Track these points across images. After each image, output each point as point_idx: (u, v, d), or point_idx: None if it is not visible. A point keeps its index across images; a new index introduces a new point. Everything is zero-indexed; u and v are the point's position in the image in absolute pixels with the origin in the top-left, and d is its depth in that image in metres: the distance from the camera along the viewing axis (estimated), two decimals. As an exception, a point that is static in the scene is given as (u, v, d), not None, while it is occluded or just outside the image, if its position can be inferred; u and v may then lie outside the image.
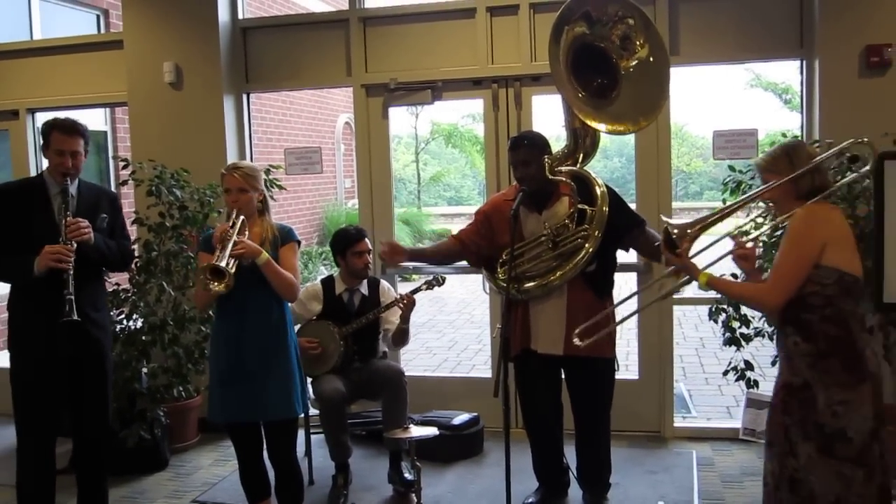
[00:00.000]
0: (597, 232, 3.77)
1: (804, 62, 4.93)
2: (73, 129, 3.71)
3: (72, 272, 3.48)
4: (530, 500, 4.17)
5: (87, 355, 3.76)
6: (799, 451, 2.71)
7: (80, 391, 3.81)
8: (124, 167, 5.20)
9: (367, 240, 4.64)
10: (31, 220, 3.65)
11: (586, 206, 3.80)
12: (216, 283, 3.27)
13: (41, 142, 3.79)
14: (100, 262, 3.80)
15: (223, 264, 3.24)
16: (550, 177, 3.83)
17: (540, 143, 3.94)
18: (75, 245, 3.53)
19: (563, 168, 3.93)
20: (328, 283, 4.71)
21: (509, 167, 5.17)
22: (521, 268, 3.87)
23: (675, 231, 2.97)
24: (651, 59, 3.87)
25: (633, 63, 3.88)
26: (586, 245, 3.77)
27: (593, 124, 3.86)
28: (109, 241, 3.81)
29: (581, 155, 4.00)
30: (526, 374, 4.08)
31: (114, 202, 3.97)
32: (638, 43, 3.87)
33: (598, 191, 3.80)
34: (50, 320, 3.54)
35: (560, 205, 3.92)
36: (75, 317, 3.45)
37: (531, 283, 3.87)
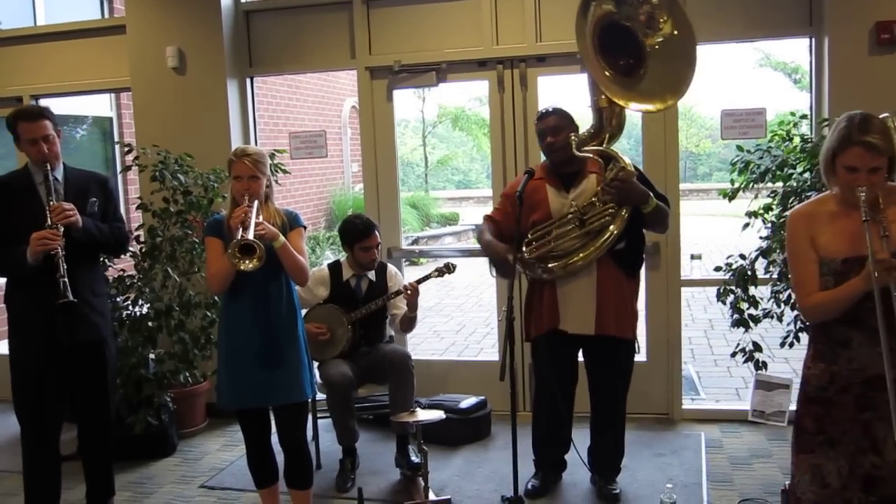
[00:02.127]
0: (623, 211, 3.75)
1: (813, 40, 4.87)
2: (38, 114, 3.66)
3: (63, 255, 3.45)
4: (531, 484, 4.16)
5: (87, 341, 3.74)
6: (887, 447, 2.58)
7: (81, 377, 3.79)
8: (128, 152, 5.18)
9: (376, 233, 4.59)
10: (20, 211, 3.61)
11: None
12: (248, 261, 3.21)
13: (12, 136, 3.71)
14: (92, 246, 3.75)
15: (251, 237, 3.20)
16: (577, 153, 3.78)
17: (569, 115, 3.93)
18: (62, 229, 3.49)
19: (590, 147, 3.89)
20: (335, 268, 4.69)
21: (515, 150, 5.21)
22: (546, 247, 3.85)
23: None
24: (675, 33, 3.79)
25: (659, 40, 3.80)
26: (612, 226, 3.75)
27: (621, 102, 3.81)
28: (101, 225, 3.76)
29: (607, 136, 3.95)
30: (546, 355, 4.05)
31: (104, 185, 3.90)
32: (661, 20, 3.80)
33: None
34: (48, 307, 3.51)
35: (588, 182, 3.89)
36: (71, 297, 3.42)
37: (555, 263, 3.84)
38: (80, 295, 3.54)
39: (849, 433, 2.63)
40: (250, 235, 3.21)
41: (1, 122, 6.18)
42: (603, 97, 3.85)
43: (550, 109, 3.95)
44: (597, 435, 4.16)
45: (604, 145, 3.90)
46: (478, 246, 4.35)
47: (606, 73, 3.80)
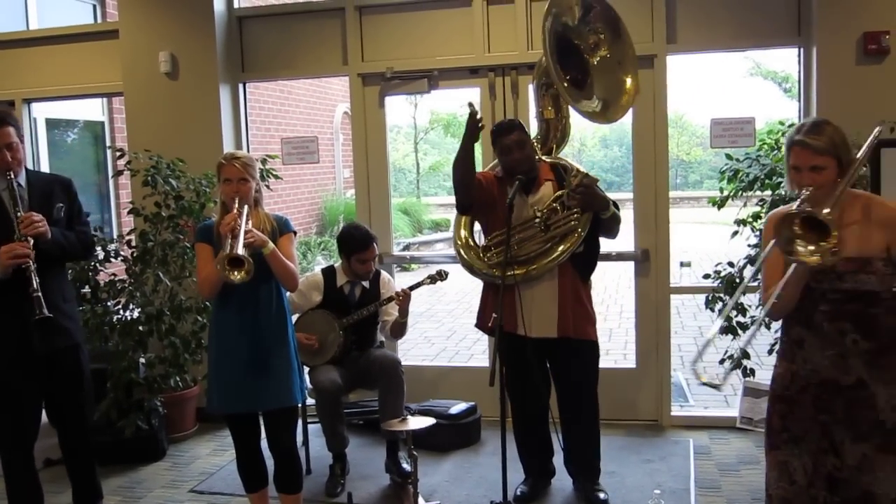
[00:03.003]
0: (587, 215, 3.88)
1: (802, 49, 4.91)
2: (1, 120, 3.49)
3: (34, 268, 3.34)
4: (520, 489, 4.18)
5: (61, 348, 3.66)
6: (845, 451, 2.62)
7: (57, 384, 3.71)
8: (120, 157, 5.19)
9: (374, 245, 4.58)
10: None
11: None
12: (236, 273, 3.21)
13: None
14: (60, 257, 3.65)
15: (240, 251, 3.21)
16: (546, 159, 3.91)
17: (524, 126, 4.01)
18: (32, 241, 3.38)
19: (544, 157, 4.06)
20: (329, 273, 4.69)
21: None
22: (510, 251, 3.88)
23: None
24: (609, 55, 4.05)
25: (597, 59, 4.04)
26: (579, 228, 3.87)
27: (575, 108, 3.97)
28: (67, 233, 3.66)
29: (554, 146, 4.16)
30: (515, 360, 4.07)
31: (68, 188, 3.79)
32: (603, 48, 4.05)
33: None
34: (18, 319, 3.45)
35: (545, 189, 3.98)
36: (47, 313, 3.33)
37: (521, 269, 3.90)
38: (52, 302, 3.43)
39: (810, 432, 2.68)
40: (239, 249, 3.21)
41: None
42: (550, 108, 4.00)
43: (514, 123, 4.01)
44: (569, 436, 4.17)
45: (552, 154, 4.05)
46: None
47: (564, 84, 3.97)
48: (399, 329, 4.62)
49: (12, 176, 3.48)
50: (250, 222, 3.37)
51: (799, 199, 2.53)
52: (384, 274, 4.79)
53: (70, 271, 4.50)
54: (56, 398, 3.76)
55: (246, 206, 3.38)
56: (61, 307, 3.60)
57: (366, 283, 4.65)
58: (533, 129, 4.31)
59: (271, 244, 3.40)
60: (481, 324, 4.22)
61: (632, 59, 4.08)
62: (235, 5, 5.67)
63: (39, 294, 3.33)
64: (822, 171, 2.57)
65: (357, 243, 4.55)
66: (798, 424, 2.71)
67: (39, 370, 3.63)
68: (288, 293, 3.67)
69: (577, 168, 3.91)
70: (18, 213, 3.41)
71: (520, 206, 3.93)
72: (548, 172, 4.01)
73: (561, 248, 3.88)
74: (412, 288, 4.54)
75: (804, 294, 2.62)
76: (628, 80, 4.05)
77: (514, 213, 3.86)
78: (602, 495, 4.09)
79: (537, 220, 3.88)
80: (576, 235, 3.87)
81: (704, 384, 2.61)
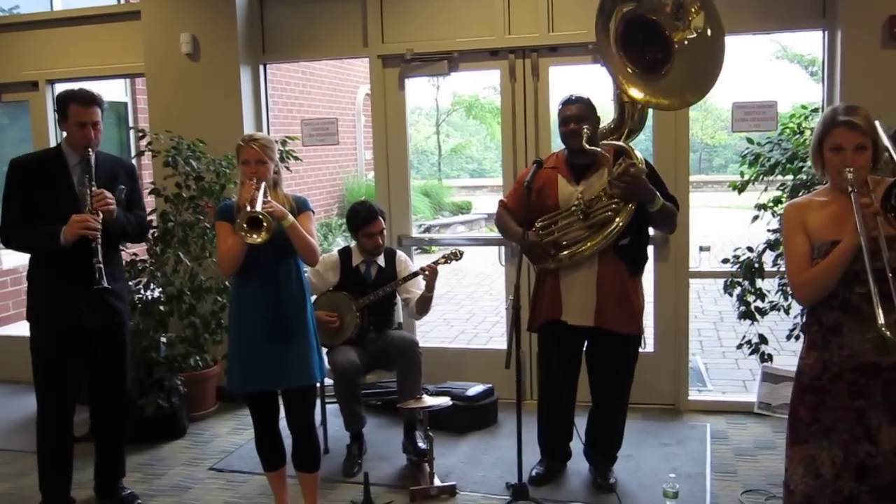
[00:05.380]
0: (629, 206, 3.76)
1: (826, 33, 4.85)
2: (91, 99, 3.72)
3: (100, 241, 3.53)
4: (536, 471, 4.19)
5: (107, 324, 3.84)
6: (881, 435, 2.60)
7: (100, 360, 3.89)
8: (141, 138, 5.22)
9: (380, 219, 4.60)
10: (51, 191, 3.68)
11: None
12: (255, 234, 3.23)
13: (56, 115, 3.79)
14: (119, 236, 3.85)
15: (259, 209, 3.23)
16: (587, 147, 3.79)
17: (593, 106, 3.93)
18: (101, 215, 3.58)
19: (606, 141, 3.91)
20: (345, 253, 4.72)
21: (526, 140, 5.22)
22: (551, 236, 3.87)
23: None
24: (707, 30, 3.74)
25: (691, 36, 3.75)
26: (617, 218, 3.77)
27: (641, 100, 3.80)
28: (129, 215, 3.86)
29: (626, 130, 3.97)
30: (551, 343, 4.07)
31: (132, 173, 4.01)
32: (692, 11, 3.74)
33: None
34: (72, 290, 3.61)
35: (598, 177, 3.89)
36: (105, 284, 3.50)
37: (562, 253, 3.86)
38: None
39: (843, 421, 2.65)
40: (258, 207, 3.24)
41: (20, 105, 6.32)
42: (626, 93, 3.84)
43: (575, 97, 3.95)
44: (595, 424, 4.19)
45: (622, 140, 3.92)
46: (489, 235, 4.38)
47: (628, 70, 3.77)
48: (424, 304, 4.59)
49: (91, 153, 3.67)
50: (269, 196, 3.39)
51: (851, 180, 2.54)
52: (400, 253, 4.80)
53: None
54: (98, 373, 3.92)
55: (263, 183, 3.39)
56: (111, 285, 3.74)
57: (381, 262, 4.67)
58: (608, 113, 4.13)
59: (291, 217, 3.42)
60: (529, 324, 4.16)
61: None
62: (256, -13, 5.67)
63: (101, 265, 3.52)
64: (864, 151, 2.60)
65: (361, 218, 4.58)
66: (830, 414, 2.68)
67: (84, 344, 3.80)
68: (305, 274, 3.69)
69: (633, 154, 3.78)
70: (93, 187, 3.60)
71: (569, 192, 3.90)
72: (606, 160, 3.87)
73: (599, 237, 3.80)
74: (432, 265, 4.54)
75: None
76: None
77: (564, 198, 3.87)
78: (611, 480, 4.10)
79: (574, 206, 3.83)
80: (613, 225, 3.78)
81: None
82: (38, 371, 3.80)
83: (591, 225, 3.82)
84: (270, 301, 3.51)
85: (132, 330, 4.92)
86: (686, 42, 3.75)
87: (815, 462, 2.69)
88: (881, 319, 2.45)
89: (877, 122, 2.74)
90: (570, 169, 3.95)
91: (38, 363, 3.80)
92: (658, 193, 3.78)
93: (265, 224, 3.23)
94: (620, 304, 3.89)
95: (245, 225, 3.24)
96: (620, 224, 3.77)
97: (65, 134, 3.77)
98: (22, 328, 5.70)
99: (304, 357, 3.56)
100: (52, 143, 6.00)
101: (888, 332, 2.45)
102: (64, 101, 3.71)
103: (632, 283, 3.94)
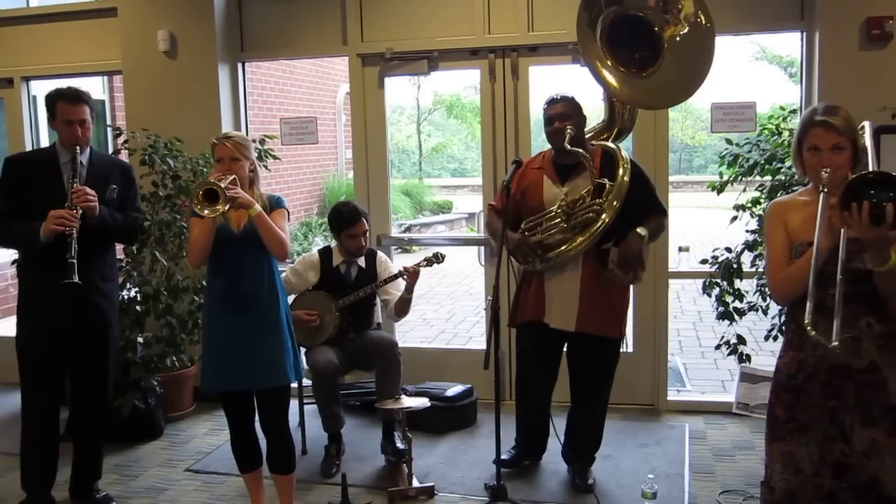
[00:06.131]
0: (615, 202, 3.76)
1: (804, 34, 4.87)
2: (78, 97, 3.74)
3: (75, 236, 3.50)
4: (504, 456, 4.12)
5: (90, 324, 3.81)
6: (854, 436, 2.61)
7: (82, 359, 3.87)
8: (117, 136, 5.17)
9: (363, 220, 4.58)
10: (42, 189, 3.68)
11: (606, 181, 3.78)
12: (209, 208, 3.20)
13: (46, 113, 3.81)
14: (104, 235, 3.80)
15: (219, 182, 3.19)
16: (569, 148, 3.77)
17: (578, 105, 3.91)
18: (80, 211, 3.56)
19: (595, 142, 3.90)
20: (326, 253, 4.69)
21: (506, 140, 5.21)
22: (535, 237, 3.86)
23: None
24: (701, 18, 3.73)
25: (683, 31, 3.73)
26: (602, 216, 3.76)
27: (628, 103, 3.82)
28: (116, 214, 3.82)
29: (617, 130, 3.97)
30: (528, 343, 4.06)
31: (127, 174, 3.99)
32: (679, 4, 3.72)
33: (622, 167, 3.80)
34: (54, 286, 3.56)
35: (584, 178, 3.87)
36: (75, 279, 3.46)
37: (549, 253, 3.86)
38: (88, 278, 3.61)
39: (817, 420, 2.66)
40: (213, 179, 3.22)
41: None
42: None
43: (559, 96, 3.93)
44: (573, 425, 4.19)
45: (611, 140, 3.90)
46: (469, 235, 4.37)
47: (620, 70, 3.78)
48: (403, 306, 4.58)
49: (78, 151, 3.69)
50: (237, 186, 3.34)
51: (824, 181, 2.54)
52: (381, 254, 4.78)
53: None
54: (80, 373, 3.91)
55: (233, 176, 3.35)
56: (98, 285, 3.79)
57: (362, 263, 4.64)
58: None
59: (258, 206, 3.37)
60: (510, 320, 4.20)
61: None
62: (235, -16, 5.63)
63: (74, 261, 3.49)
64: (842, 152, 2.60)
65: (345, 219, 4.55)
66: (805, 413, 2.69)
67: (67, 343, 3.79)
68: (284, 273, 3.65)
69: (621, 157, 3.79)
70: (75, 184, 3.61)
71: (554, 193, 3.89)
72: (597, 160, 3.87)
73: (580, 238, 3.80)
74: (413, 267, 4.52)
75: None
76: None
77: (548, 199, 3.87)
78: (589, 481, 4.09)
79: (558, 208, 3.82)
80: (599, 223, 3.76)
81: None
82: (23, 368, 3.80)
83: (573, 226, 3.81)
84: (241, 300, 3.47)
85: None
86: (678, 38, 3.74)
87: (794, 458, 2.70)
88: (836, 323, 2.45)
89: (866, 123, 2.75)
90: (556, 169, 3.95)
91: (22, 360, 3.80)
92: (646, 235, 3.81)
93: (221, 196, 3.20)
94: (603, 308, 3.89)
95: (200, 194, 3.22)
96: (606, 221, 3.77)
97: (48, 132, 3.78)
98: (3, 328, 5.65)
99: (277, 357, 3.52)
100: (27, 141, 5.96)
101: (812, 331, 2.46)
102: (52, 100, 3.73)
103: (617, 288, 3.93)
